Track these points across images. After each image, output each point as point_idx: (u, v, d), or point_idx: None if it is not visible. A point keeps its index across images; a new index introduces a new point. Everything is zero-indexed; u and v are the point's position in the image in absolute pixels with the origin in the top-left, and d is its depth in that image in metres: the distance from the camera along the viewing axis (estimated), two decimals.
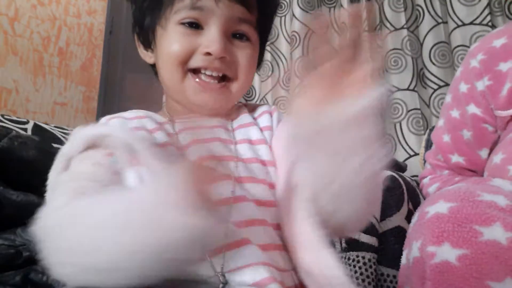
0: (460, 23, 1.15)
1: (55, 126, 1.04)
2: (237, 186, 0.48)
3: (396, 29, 1.29)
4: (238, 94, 0.58)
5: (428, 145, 0.95)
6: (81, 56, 2.44)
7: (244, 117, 0.59)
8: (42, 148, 0.87)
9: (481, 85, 0.63)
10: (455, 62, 1.14)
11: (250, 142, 0.55)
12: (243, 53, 0.55)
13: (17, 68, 2.13)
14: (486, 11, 1.12)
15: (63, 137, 1.01)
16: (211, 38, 0.52)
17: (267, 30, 0.64)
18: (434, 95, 1.20)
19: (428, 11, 1.23)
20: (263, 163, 0.52)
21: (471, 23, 1.13)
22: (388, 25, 1.29)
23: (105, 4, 2.61)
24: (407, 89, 1.25)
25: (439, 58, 1.21)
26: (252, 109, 0.62)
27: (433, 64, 1.20)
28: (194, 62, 0.53)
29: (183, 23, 0.53)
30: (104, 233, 0.35)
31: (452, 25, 1.16)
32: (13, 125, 0.94)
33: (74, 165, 0.48)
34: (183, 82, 0.54)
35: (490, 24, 1.11)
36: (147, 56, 0.62)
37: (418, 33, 1.26)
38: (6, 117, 0.97)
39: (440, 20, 1.22)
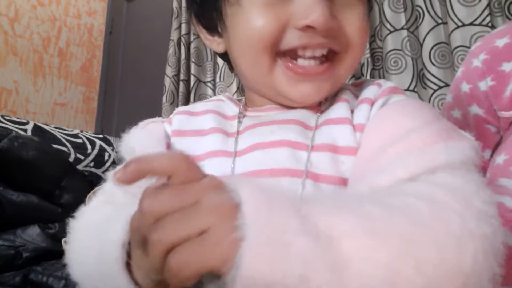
0: (460, 23, 1.15)
1: (55, 127, 1.04)
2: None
3: (396, 30, 1.29)
4: (348, 74, 0.43)
5: None
6: (81, 56, 2.44)
7: (339, 108, 0.42)
8: (42, 149, 0.87)
9: (483, 85, 0.62)
10: (455, 62, 1.14)
11: (335, 149, 0.39)
12: (353, 15, 0.40)
13: (17, 68, 2.13)
14: (486, 12, 1.12)
15: (63, 137, 1.01)
16: (308, 3, 0.37)
17: None
18: (434, 95, 1.20)
19: (428, 12, 1.23)
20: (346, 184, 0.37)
21: (471, 23, 1.13)
22: (388, 25, 1.29)
23: (105, 5, 2.61)
24: (407, 89, 1.25)
25: (439, 58, 1.21)
26: (357, 92, 0.45)
27: (433, 64, 1.20)
28: (288, 42, 0.38)
29: None
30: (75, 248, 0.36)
31: (452, 25, 1.16)
32: (13, 126, 0.94)
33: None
34: (271, 72, 0.40)
35: (490, 24, 1.11)
36: (214, 43, 0.47)
37: (418, 33, 1.26)
38: (6, 117, 0.97)
39: (440, 21, 1.22)
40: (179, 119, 0.47)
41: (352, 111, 0.42)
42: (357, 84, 0.47)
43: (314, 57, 0.40)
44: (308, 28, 0.37)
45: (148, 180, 0.40)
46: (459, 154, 0.32)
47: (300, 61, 0.40)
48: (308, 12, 0.37)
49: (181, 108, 0.50)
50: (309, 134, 0.41)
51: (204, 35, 0.49)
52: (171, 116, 0.49)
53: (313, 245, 0.23)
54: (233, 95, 1.63)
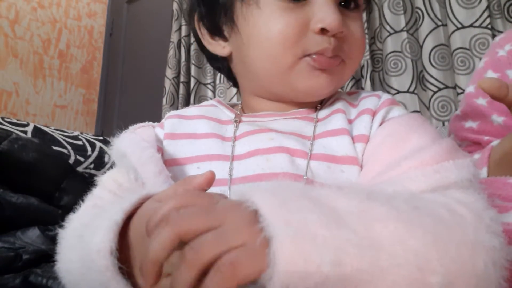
0: (459, 25, 1.15)
1: (55, 129, 1.04)
2: None
3: (395, 32, 1.29)
4: (347, 77, 0.47)
5: None
6: (81, 58, 2.44)
7: (336, 119, 0.44)
8: (42, 151, 0.87)
9: (511, 74, 0.62)
10: (455, 64, 1.14)
11: (333, 159, 0.41)
12: (356, 25, 0.44)
13: (17, 70, 2.13)
14: (486, 14, 1.12)
15: (63, 139, 1.01)
16: (325, 10, 0.40)
17: None
18: (434, 97, 1.20)
19: (428, 14, 1.24)
20: None
21: (471, 25, 1.13)
22: (387, 27, 1.29)
23: (105, 7, 2.61)
24: (407, 91, 1.25)
25: (439, 60, 1.21)
26: (352, 101, 0.47)
27: (433, 66, 1.21)
28: (307, 47, 0.41)
29: None
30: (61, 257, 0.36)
31: (451, 27, 1.16)
32: (13, 128, 0.95)
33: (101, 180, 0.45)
34: (292, 70, 0.43)
35: (489, 26, 1.11)
36: (218, 46, 0.49)
37: (418, 35, 1.26)
38: (6, 119, 0.97)
39: (439, 23, 1.22)
40: (171, 122, 0.47)
41: (349, 121, 0.44)
42: (352, 93, 0.49)
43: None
44: (323, 31, 0.41)
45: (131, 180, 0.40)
46: (467, 172, 0.33)
47: (316, 56, 0.42)
48: (324, 16, 0.40)
49: (173, 112, 0.50)
50: (307, 143, 0.42)
51: (206, 37, 0.49)
52: (162, 120, 0.49)
53: (337, 231, 0.24)
54: (232, 97, 1.63)
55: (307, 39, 0.42)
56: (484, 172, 0.53)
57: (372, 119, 0.43)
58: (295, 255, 0.22)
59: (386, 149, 0.39)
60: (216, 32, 0.48)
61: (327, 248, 0.23)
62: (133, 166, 0.41)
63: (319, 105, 0.48)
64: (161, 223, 0.25)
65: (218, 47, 0.49)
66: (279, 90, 0.46)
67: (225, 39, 0.48)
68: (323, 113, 0.47)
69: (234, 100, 1.62)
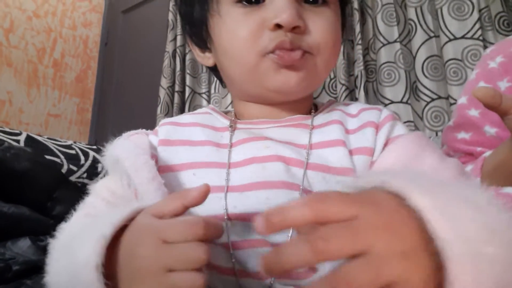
0: (452, 37, 1.16)
1: (48, 138, 1.04)
2: None
3: (389, 43, 1.30)
4: (321, 72, 0.46)
5: None
6: (76, 67, 2.44)
7: (331, 130, 0.45)
8: (35, 160, 0.86)
9: (502, 85, 0.63)
10: (447, 75, 1.16)
11: (328, 170, 0.41)
12: (320, 19, 0.44)
13: (11, 79, 2.12)
14: (477, 26, 1.14)
15: (56, 148, 1.01)
16: (278, 6, 0.42)
17: None
18: (427, 107, 1.21)
19: (421, 25, 1.25)
20: None
21: (463, 37, 1.15)
22: (381, 38, 1.31)
23: (101, 16, 2.62)
24: (401, 101, 1.26)
25: (432, 71, 1.22)
26: (349, 110, 0.48)
27: (426, 77, 1.22)
28: (265, 45, 0.42)
29: (239, 0, 0.43)
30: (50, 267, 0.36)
31: (444, 39, 1.17)
32: (5, 137, 0.94)
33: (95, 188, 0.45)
34: (257, 68, 0.43)
35: (481, 38, 1.13)
36: (205, 59, 0.51)
37: (411, 46, 1.27)
38: None
39: (432, 34, 1.24)
40: (165, 129, 0.47)
41: (347, 131, 0.44)
42: (348, 104, 0.50)
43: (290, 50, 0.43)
44: (278, 27, 0.41)
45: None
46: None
47: (279, 52, 0.42)
48: (278, 12, 0.41)
49: (167, 120, 0.50)
50: (303, 152, 0.42)
51: (196, 52, 0.52)
52: (156, 128, 0.49)
53: (500, 249, 0.22)
54: (227, 106, 1.63)
55: (265, 37, 0.42)
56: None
57: (376, 132, 0.43)
58: (474, 277, 0.21)
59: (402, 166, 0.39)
60: (202, 45, 0.50)
61: (497, 269, 0.22)
62: (126, 171, 0.40)
63: (313, 111, 0.48)
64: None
65: (206, 59, 0.51)
66: (255, 91, 0.46)
67: (210, 51, 0.50)
68: (318, 120, 0.47)
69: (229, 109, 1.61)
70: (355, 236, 0.22)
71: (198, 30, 0.49)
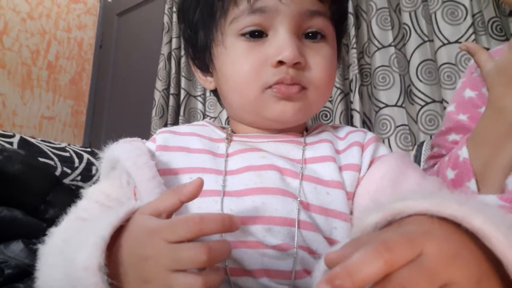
0: (445, 41, 1.17)
1: (42, 140, 1.03)
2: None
3: (383, 47, 1.31)
4: (316, 105, 0.48)
5: (416, 160, 0.96)
6: (70, 70, 2.43)
7: (323, 147, 0.47)
8: (28, 162, 0.86)
9: (486, 92, 0.68)
10: (441, 79, 1.16)
11: (319, 181, 0.43)
12: (320, 55, 0.46)
13: (5, 81, 2.11)
14: (471, 30, 1.15)
15: (50, 151, 1.00)
16: (280, 43, 0.43)
17: (343, 19, 0.52)
18: (421, 111, 1.22)
19: (415, 30, 1.26)
20: (331, 213, 0.41)
21: (456, 41, 1.16)
22: (376, 42, 1.32)
23: (96, 19, 2.61)
24: (395, 105, 1.27)
25: (426, 75, 1.23)
26: (338, 133, 0.51)
27: (420, 81, 1.23)
28: (267, 80, 0.44)
29: (243, 34, 0.45)
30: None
31: (438, 43, 1.18)
32: None
33: (89, 189, 0.46)
34: (257, 100, 0.45)
35: (474, 43, 1.14)
36: (206, 82, 0.53)
37: (405, 50, 1.28)
38: None
39: (426, 39, 1.25)
40: (163, 136, 0.49)
41: (337, 151, 0.47)
42: (335, 127, 0.53)
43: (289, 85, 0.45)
44: (280, 63, 0.43)
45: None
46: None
47: (279, 87, 0.44)
48: (280, 49, 0.43)
49: (165, 129, 0.51)
50: (296, 165, 0.45)
51: (198, 74, 0.54)
52: (154, 136, 0.50)
53: None
54: (222, 109, 1.63)
55: (267, 73, 0.44)
56: (464, 151, 0.57)
57: (362, 151, 0.46)
58: None
59: (387, 183, 0.42)
60: (204, 69, 0.52)
61: None
62: (126, 170, 0.41)
63: (305, 132, 0.51)
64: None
65: (207, 83, 0.53)
66: (252, 119, 0.49)
67: (211, 75, 0.52)
68: (310, 139, 0.49)
69: (224, 113, 1.62)
70: (432, 277, 0.20)
71: (201, 56, 0.51)
